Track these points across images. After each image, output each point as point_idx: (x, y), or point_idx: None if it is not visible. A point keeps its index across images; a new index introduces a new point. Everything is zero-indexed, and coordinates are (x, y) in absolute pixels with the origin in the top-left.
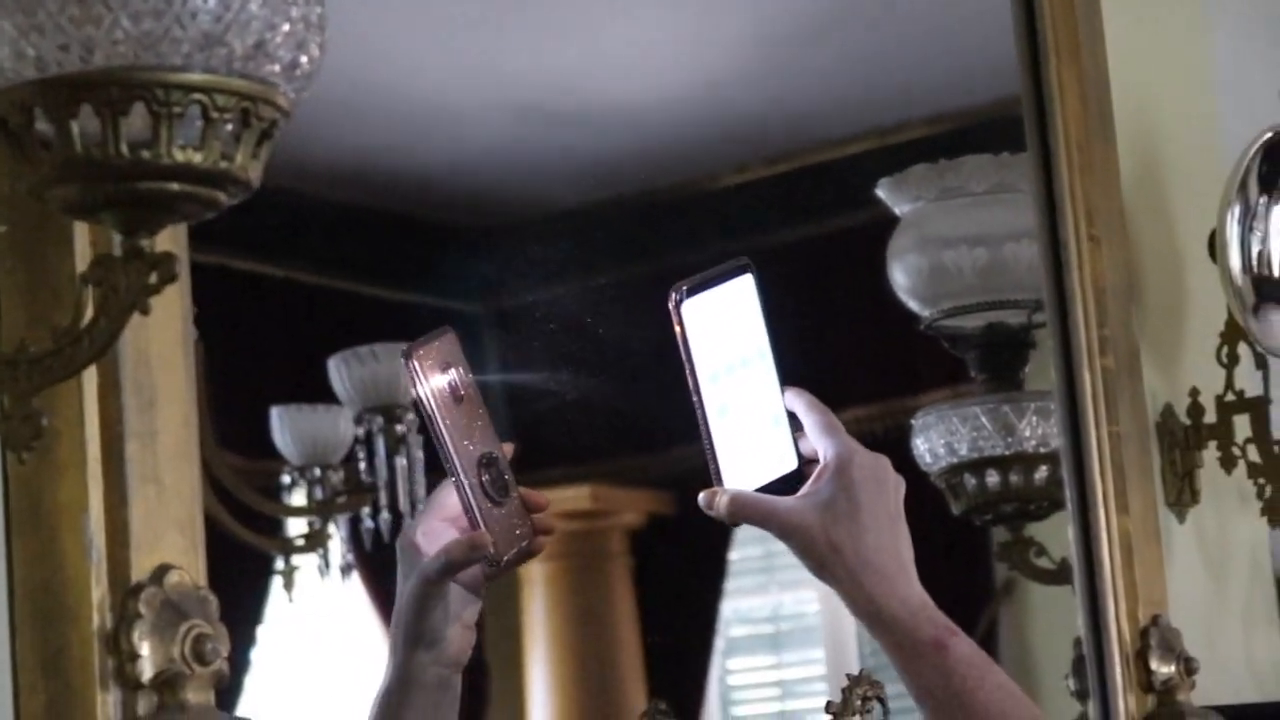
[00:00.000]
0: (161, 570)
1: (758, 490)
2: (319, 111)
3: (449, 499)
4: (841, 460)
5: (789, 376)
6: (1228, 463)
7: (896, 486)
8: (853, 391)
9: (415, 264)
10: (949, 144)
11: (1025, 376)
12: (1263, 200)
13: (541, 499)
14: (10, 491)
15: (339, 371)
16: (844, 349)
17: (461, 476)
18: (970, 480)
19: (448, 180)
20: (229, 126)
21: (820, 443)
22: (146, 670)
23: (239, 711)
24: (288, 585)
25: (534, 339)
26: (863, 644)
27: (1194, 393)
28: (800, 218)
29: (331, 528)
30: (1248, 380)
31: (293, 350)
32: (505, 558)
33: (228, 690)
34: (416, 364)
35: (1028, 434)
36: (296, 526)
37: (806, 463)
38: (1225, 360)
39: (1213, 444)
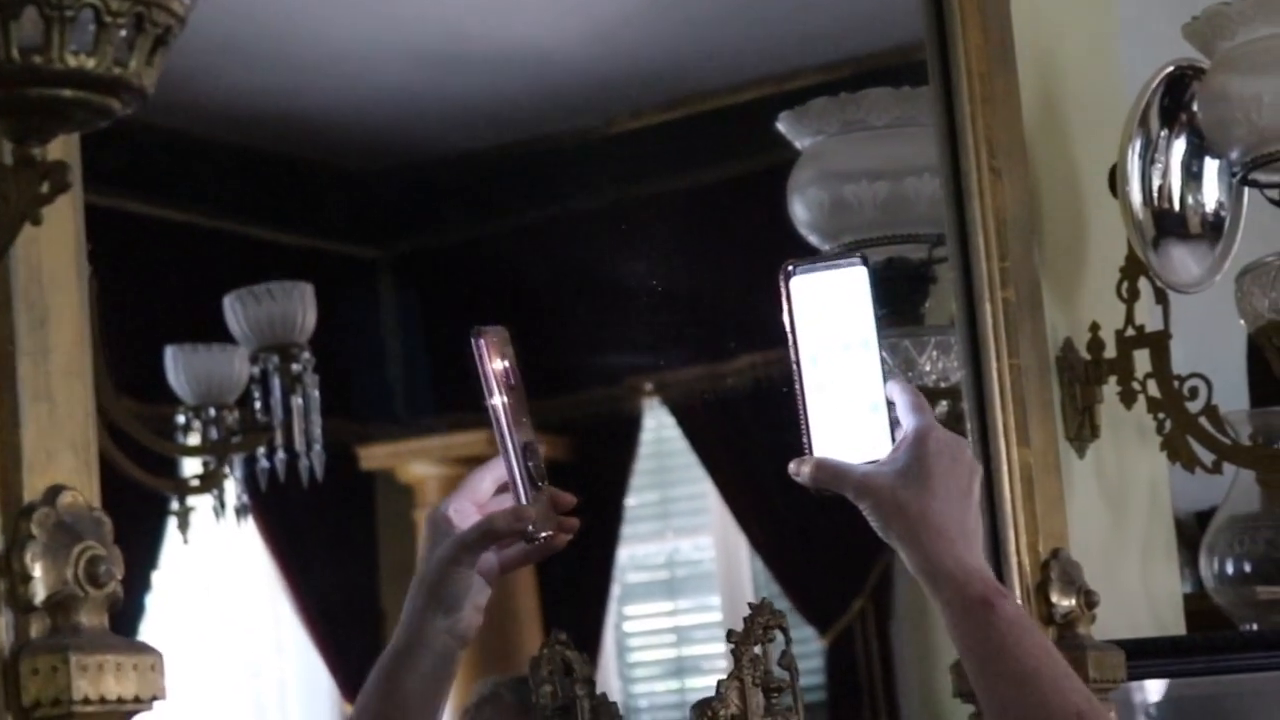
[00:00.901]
0: (54, 491)
1: None
2: (214, 54)
3: (483, 483)
4: (920, 432)
5: (676, 320)
6: (1128, 398)
7: (972, 469)
8: (750, 337)
9: (309, 207)
10: (847, 88)
11: (925, 311)
12: (1164, 133)
13: (569, 497)
14: None
15: (234, 310)
16: (739, 294)
17: (513, 452)
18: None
19: (343, 124)
20: (123, 32)
21: (906, 418)
22: (39, 592)
23: None
24: (183, 526)
25: (430, 282)
26: (759, 590)
27: (1094, 328)
28: (695, 163)
29: (227, 468)
30: (1148, 315)
31: (187, 291)
32: (541, 535)
33: (122, 630)
34: (484, 342)
35: (928, 368)
36: (191, 467)
37: None
38: (1125, 295)
39: (1113, 379)
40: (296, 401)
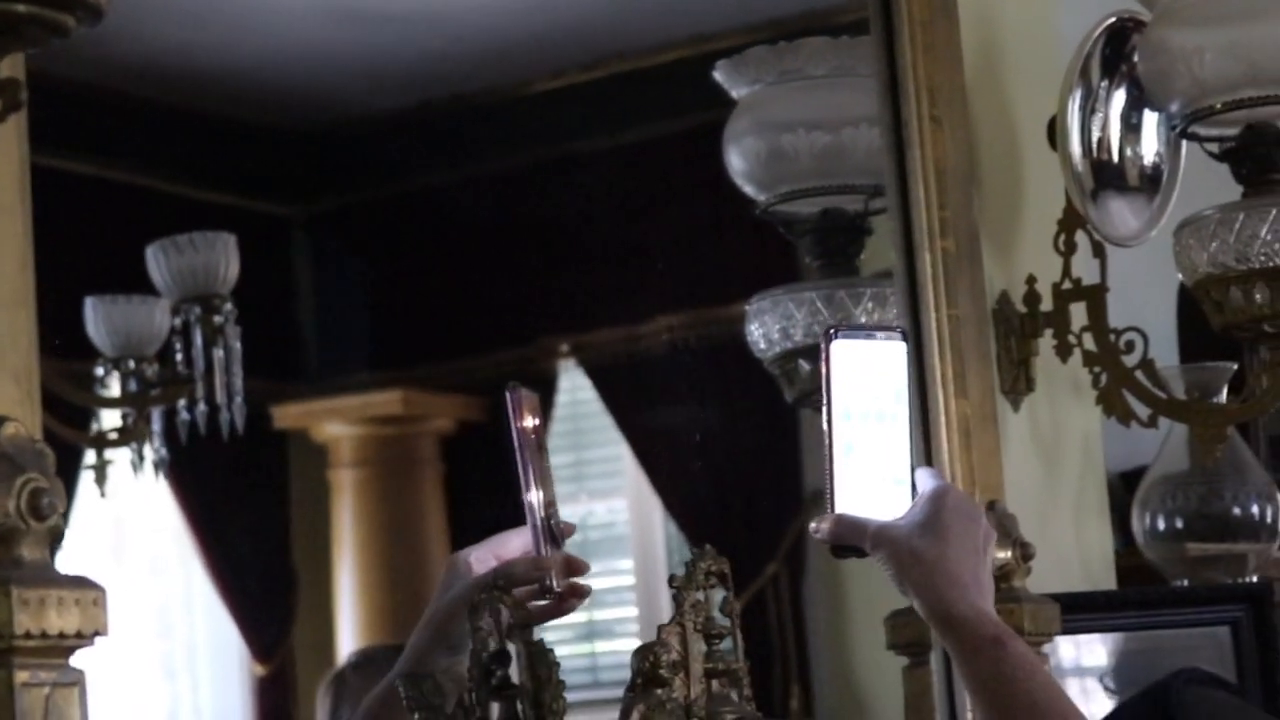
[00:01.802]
0: None
1: None
2: (135, 10)
3: (510, 542)
4: (938, 490)
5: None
6: (1064, 351)
7: (987, 533)
8: (668, 299)
9: (226, 164)
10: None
11: (861, 263)
12: (1104, 85)
13: (583, 563)
14: None
15: (157, 260)
16: (658, 256)
17: (537, 505)
18: (805, 366)
19: (261, 81)
20: None
21: (923, 481)
22: None
23: None
24: (99, 480)
25: (346, 242)
26: (672, 554)
27: (1031, 280)
28: (616, 124)
29: (146, 421)
30: (1085, 268)
31: (104, 244)
32: (557, 588)
33: None
34: (519, 397)
35: (863, 320)
36: (110, 419)
37: None
38: (1063, 248)
39: (1049, 332)
40: (218, 354)
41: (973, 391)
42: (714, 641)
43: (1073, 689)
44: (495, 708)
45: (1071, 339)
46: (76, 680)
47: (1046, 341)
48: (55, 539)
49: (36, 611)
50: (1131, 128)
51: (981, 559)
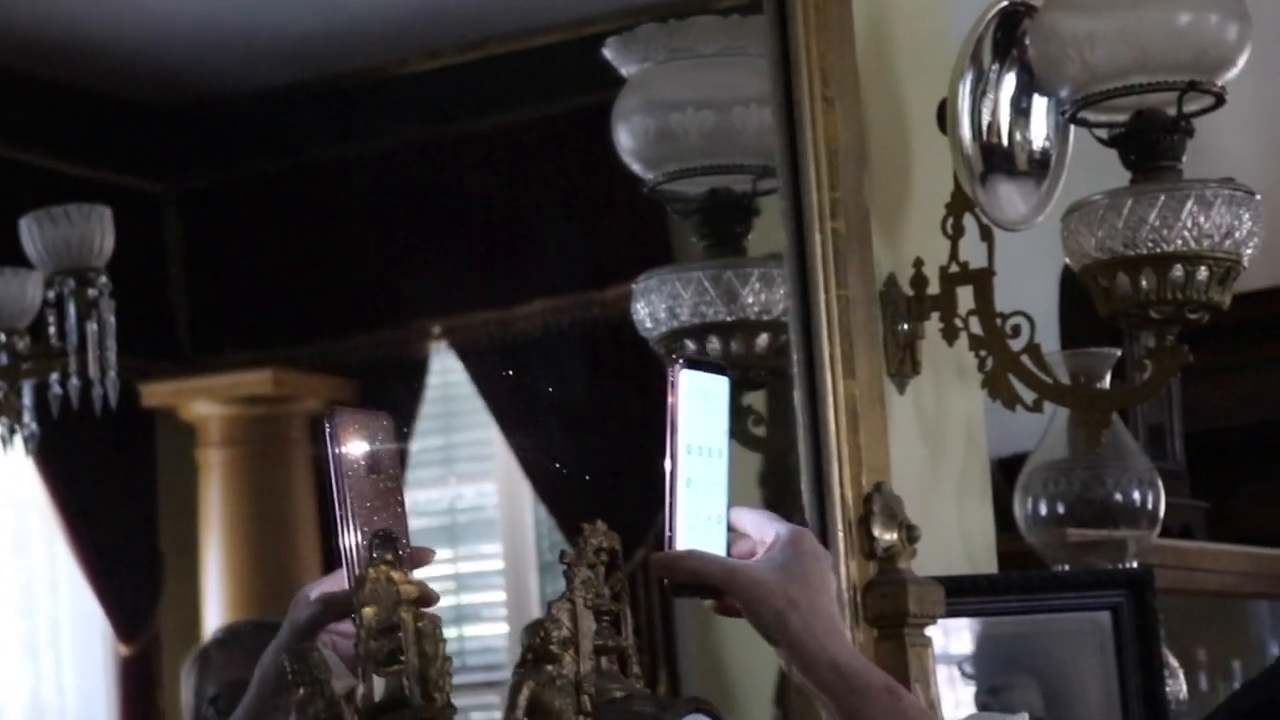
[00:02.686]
0: None
1: None
2: None
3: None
4: (795, 534)
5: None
6: (950, 334)
7: (833, 580)
8: (541, 283)
9: (98, 140)
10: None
11: (749, 243)
12: (995, 68)
13: (433, 594)
14: None
15: (31, 232)
16: (532, 240)
17: (348, 536)
18: (690, 346)
19: (134, 57)
20: None
21: (768, 526)
22: None
23: None
24: None
25: (217, 221)
26: (541, 539)
27: (918, 263)
28: (492, 106)
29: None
30: (972, 252)
31: None
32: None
33: None
34: (334, 421)
35: (750, 300)
36: None
37: None
38: (950, 231)
39: (935, 315)
40: (91, 328)
41: (861, 373)
42: (604, 619)
43: (940, 674)
44: (380, 684)
45: (958, 322)
46: None
47: (933, 325)
48: None
49: None
50: (1021, 112)
51: (836, 605)
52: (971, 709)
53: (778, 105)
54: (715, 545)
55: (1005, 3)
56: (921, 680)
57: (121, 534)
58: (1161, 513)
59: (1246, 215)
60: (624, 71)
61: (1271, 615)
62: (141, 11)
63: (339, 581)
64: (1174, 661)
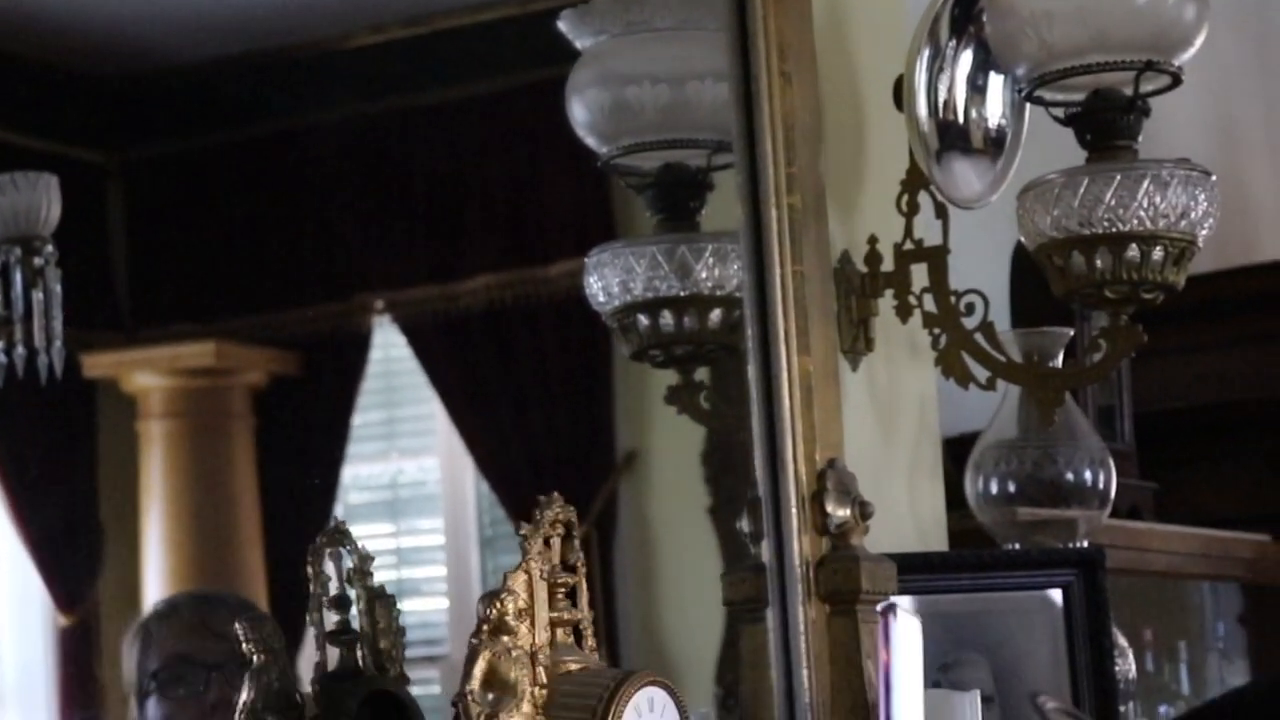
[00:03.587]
0: None
1: None
2: None
3: None
4: None
5: None
6: (904, 312)
7: None
8: (486, 257)
9: (42, 110)
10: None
11: (703, 218)
12: (952, 45)
13: None
14: None
15: None
16: (475, 215)
17: None
18: (643, 320)
19: (74, 25)
20: None
21: None
22: None
23: None
24: None
25: (157, 192)
26: (483, 514)
27: (872, 240)
28: (436, 80)
29: None
30: (927, 229)
31: None
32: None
33: None
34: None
35: (704, 275)
36: None
37: None
38: (905, 208)
39: (889, 292)
40: (37, 296)
41: (816, 349)
42: (558, 591)
43: None
44: (334, 653)
45: (912, 300)
46: None
47: (887, 302)
48: None
49: None
50: (978, 90)
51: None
52: None
53: (735, 80)
54: None
55: None
56: (873, 657)
57: (61, 504)
58: (1113, 493)
59: (1202, 196)
60: (579, 44)
61: (1213, 596)
62: None
63: None
64: (1123, 641)
